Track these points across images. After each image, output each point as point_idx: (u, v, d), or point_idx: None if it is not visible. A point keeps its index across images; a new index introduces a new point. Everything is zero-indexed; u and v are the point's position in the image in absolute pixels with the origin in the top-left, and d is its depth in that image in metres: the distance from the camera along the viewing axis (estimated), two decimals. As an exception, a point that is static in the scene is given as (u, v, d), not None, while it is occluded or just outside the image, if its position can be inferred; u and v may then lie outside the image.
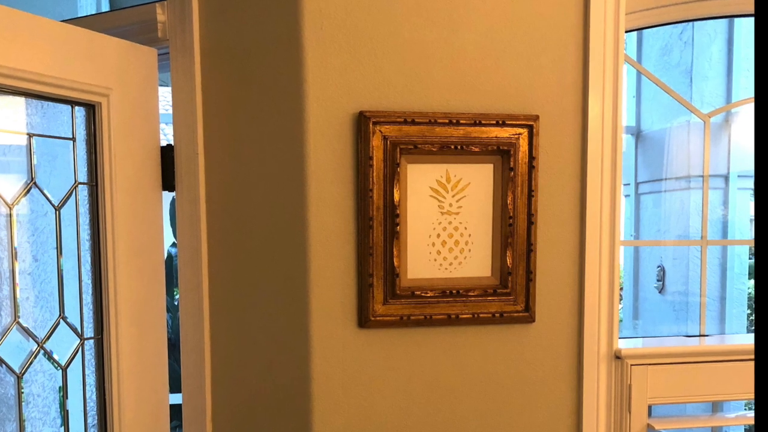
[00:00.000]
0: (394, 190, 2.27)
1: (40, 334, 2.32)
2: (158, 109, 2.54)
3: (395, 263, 2.30)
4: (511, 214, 2.35)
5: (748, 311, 5.86)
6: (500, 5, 2.35)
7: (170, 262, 4.66)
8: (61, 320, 2.36)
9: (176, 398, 2.68)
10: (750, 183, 5.41)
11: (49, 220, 2.35)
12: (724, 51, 5.57)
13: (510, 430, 2.48)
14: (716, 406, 3.28)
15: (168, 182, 2.53)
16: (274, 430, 2.41)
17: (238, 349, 2.47)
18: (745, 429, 4.56)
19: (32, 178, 2.26)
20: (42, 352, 2.34)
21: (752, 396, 2.70)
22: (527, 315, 2.41)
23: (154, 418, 2.58)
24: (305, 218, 2.26)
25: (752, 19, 3.05)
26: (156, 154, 2.52)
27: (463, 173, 2.34)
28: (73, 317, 2.39)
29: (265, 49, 2.31)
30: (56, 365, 2.41)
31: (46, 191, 2.31)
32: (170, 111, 2.50)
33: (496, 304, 2.38)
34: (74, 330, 2.40)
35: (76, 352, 2.41)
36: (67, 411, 2.46)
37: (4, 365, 2.24)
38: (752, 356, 2.63)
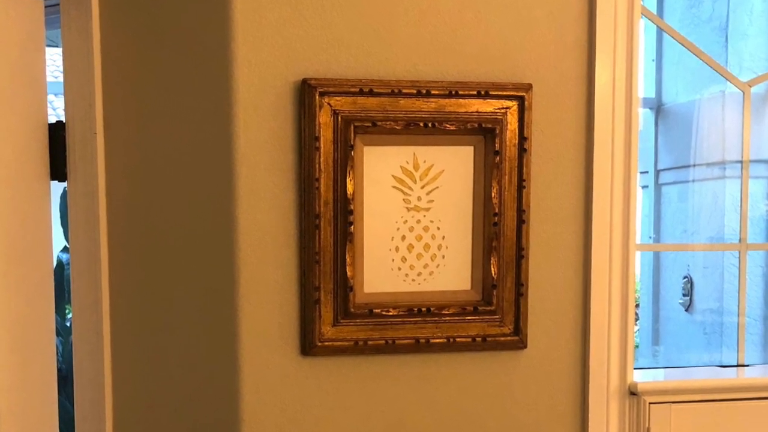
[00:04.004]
0: (347, 180, 2.27)
1: None
2: (45, 77, 2.53)
3: (348, 273, 2.30)
4: (497, 211, 2.35)
5: (799, 334, 5.91)
6: (482, -58, 2.36)
7: (61, 272, 4.65)
8: None
9: (69, 446, 2.67)
10: (801, 170, 5.46)
11: None
12: (768, 1, 5.61)
13: (495, 486, 2.49)
14: (758, 454, 3.31)
15: (58, 170, 2.52)
16: (194, 487, 2.41)
17: (148, 383, 2.46)
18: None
19: None
20: None
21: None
22: (517, 339, 2.42)
23: (41, 471, 2.57)
24: (233, 215, 2.25)
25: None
26: (42, 134, 2.50)
27: (435, 158, 2.35)
28: (-66, 343, 2.38)
29: (182, -2, 2.31)
30: None
31: None
32: (61, 78, 2.48)
33: (478, 325, 2.39)
34: (-65, 359, 2.38)
35: (-61, 387, 2.40)
36: (-73, 463, 2.45)
37: None
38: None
